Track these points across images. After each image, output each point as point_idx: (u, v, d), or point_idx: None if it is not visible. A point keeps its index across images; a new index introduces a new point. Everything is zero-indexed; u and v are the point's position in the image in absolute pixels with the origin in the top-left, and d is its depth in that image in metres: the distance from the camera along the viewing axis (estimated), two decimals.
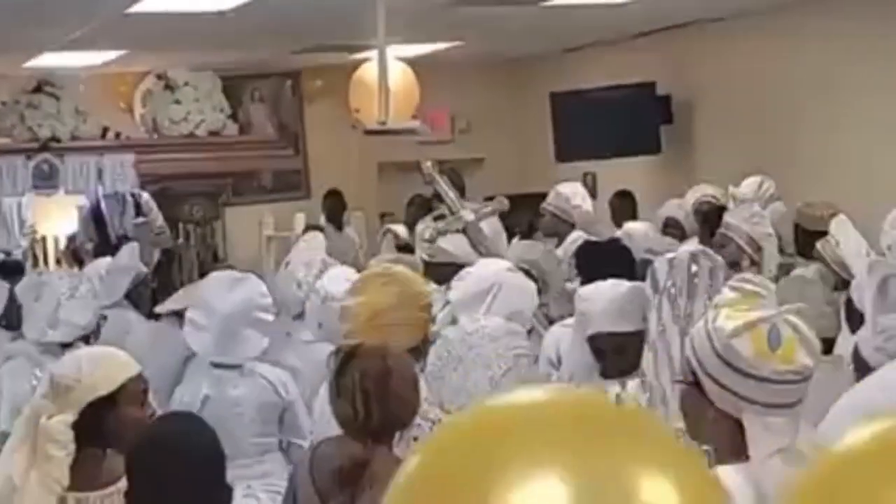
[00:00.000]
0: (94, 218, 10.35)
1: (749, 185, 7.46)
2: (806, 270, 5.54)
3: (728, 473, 2.27)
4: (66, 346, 4.90)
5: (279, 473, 4.69)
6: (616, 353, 3.80)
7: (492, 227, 6.94)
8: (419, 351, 3.91)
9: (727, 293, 2.37)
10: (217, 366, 4.79)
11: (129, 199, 10.35)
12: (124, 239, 9.25)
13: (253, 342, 4.80)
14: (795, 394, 2.31)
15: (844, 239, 5.39)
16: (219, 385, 4.72)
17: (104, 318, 5.89)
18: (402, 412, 3.19)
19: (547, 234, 7.14)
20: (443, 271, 5.74)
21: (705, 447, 2.43)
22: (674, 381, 2.52)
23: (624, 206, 8.96)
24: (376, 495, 3.05)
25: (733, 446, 2.31)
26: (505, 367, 3.53)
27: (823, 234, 5.61)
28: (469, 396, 3.43)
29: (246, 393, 4.72)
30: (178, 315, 5.93)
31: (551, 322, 5.39)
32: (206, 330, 4.80)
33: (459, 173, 8.23)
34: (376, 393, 3.12)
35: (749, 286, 2.35)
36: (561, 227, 7.16)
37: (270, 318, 4.90)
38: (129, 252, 6.41)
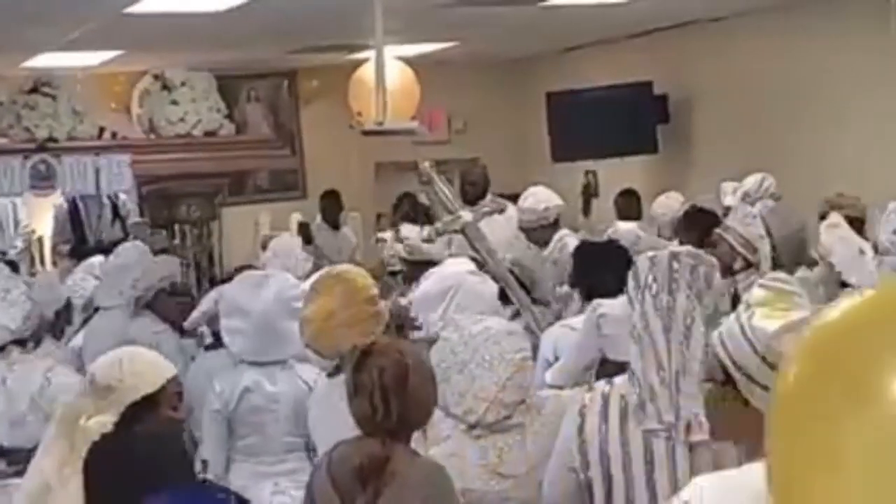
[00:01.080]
0: (71, 219, 10.36)
1: (750, 182, 7.47)
2: (810, 273, 5.54)
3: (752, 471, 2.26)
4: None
5: (305, 472, 4.67)
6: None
7: (508, 225, 6.97)
8: None
9: (758, 292, 2.34)
10: (254, 363, 4.77)
11: (107, 201, 10.36)
12: (100, 241, 9.28)
13: (294, 335, 4.75)
14: None
15: (831, 240, 5.38)
16: (258, 380, 4.70)
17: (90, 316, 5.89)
18: (420, 409, 3.20)
19: (535, 241, 7.16)
20: (420, 271, 5.81)
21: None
22: (701, 379, 2.50)
23: (629, 204, 8.96)
24: (398, 491, 3.06)
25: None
26: (512, 370, 3.52)
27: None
28: (475, 399, 3.44)
29: (284, 390, 4.69)
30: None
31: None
32: (244, 333, 4.78)
33: (476, 180, 8.19)
34: (395, 389, 3.13)
35: (784, 286, 2.31)
36: (544, 232, 7.16)
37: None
38: (135, 253, 6.34)
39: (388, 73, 6.98)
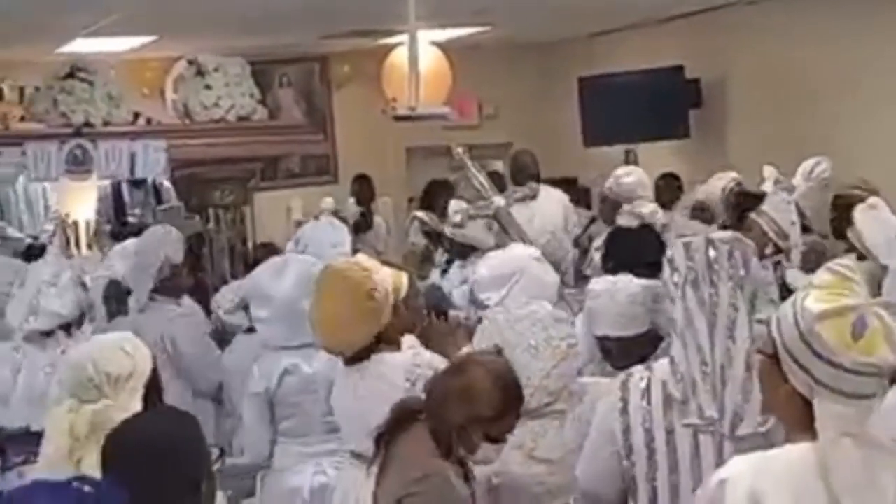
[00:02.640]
0: (115, 202, 10.44)
1: (804, 166, 7.39)
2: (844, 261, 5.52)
3: (802, 452, 2.28)
4: (46, 334, 4.93)
5: (343, 452, 4.73)
6: (622, 353, 3.86)
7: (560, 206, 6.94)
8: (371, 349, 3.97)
9: (823, 274, 2.36)
10: (286, 347, 4.82)
11: (150, 186, 10.43)
12: (141, 225, 9.34)
13: None
14: (871, 387, 2.29)
15: (868, 227, 5.38)
16: (296, 362, 4.76)
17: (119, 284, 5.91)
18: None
19: (605, 220, 7.13)
20: (465, 250, 5.83)
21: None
22: (755, 349, 2.52)
23: (669, 187, 8.93)
24: None
25: (803, 424, 2.31)
26: (558, 358, 3.53)
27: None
28: (494, 346, 3.45)
29: (321, 370, 4.72)
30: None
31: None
32: (270, 321, 4.85)
33: (502, 175, 8.21)
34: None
35: (847, 272, 2.33)
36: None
37: None
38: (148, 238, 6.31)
39: (422, 59, 7.00)
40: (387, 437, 3.19)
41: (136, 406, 3.37)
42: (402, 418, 3.20)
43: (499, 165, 10.04)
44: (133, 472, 2.47)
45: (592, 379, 3.97)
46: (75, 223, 10.81)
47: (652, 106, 10.09)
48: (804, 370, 2.30)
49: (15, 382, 4.85)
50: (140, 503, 2.14)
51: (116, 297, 6.12)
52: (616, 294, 3.92)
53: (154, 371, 3.57)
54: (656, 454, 3.18)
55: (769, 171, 7.36)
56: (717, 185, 7.66)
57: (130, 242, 7.01)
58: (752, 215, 5.87)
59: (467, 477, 3.17)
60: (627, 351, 3.70)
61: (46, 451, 3.48)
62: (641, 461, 3.20)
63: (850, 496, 2.22)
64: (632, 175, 7.30)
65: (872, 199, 5.71)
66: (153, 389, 3.54)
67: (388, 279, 4.08)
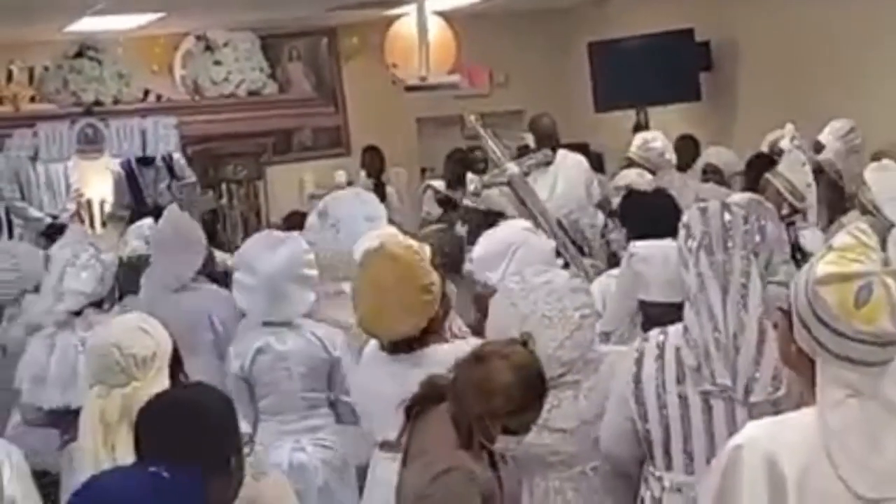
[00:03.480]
0: (130, 184, 10.44)
1: (834, 126, 7.33)
2: (848, 219, 5.53)
3: (815, 415, 2.28)
4: (76, 314, 4.94)
5: (328, 429, 4.78)
6: (668, 321, 3.83)
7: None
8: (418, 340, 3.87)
9: (842, 237, 2.33)
10: (267, 323, 4.86)
11: (162, 163, 10.44)
12: (157, 203, 9.35)
13: (300, 299, 4.87)
14: (877, 355, 2.25)
15: (877, 184, 5.37)
16: (268, 341, 4.79)
17: (139, 258, 5.91)
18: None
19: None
20: (488, 219, 5.81)
21: None
22: (777, 307, 2.52)
23: (687, 148, 8.91)
24: None
25: (813, 383, 2.31)
26: (571, 329, 3.52)
27: None
28: (520, 334, 3.44)
29: (294, 349, 4.78)
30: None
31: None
32: (252, 291, 4.89)
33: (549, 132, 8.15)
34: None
35: (864, 237, 2.30)
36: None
37: (315, 273, 4.95)
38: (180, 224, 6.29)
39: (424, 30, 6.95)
40: (417, 408, 3.18)
41: (165, 384, 3.38)
42: (430, 395, 3.19)
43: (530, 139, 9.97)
44: (166, 445, 2.48)
45: (610, 347, 3.96)
46: (89, 202, 10.84)
47: (662, 70, 10.05)
48: (809, 333, 2.30)
49: (48, 365, 4.88)
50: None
51: (126, 278, 6.10)
52: (669, 259, 3.86)
53: (175, 348, 3.58)
54: (669, 419, 3.19)
55: (789, 129, 7.33)
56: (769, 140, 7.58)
57: (147, 223, 7.02)
58: (767, 176, 5.85)
59: (493, 461, 3.14)
60: (673, 317, 3.67)
61: (83, 441, 3.50)
62: (655, 426, 3.21)
63: (847, 459, 2.22)
64: (658, 140, 7.29)
65: (885, 161, 5.70)
66: (177, 366, 3.55)
67: (433, 264, 4.03)
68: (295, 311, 4.86)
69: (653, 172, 7.12)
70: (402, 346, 3.93)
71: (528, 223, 5.24)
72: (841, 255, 2.30)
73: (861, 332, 2.25)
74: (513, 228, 5.09)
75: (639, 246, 4.36)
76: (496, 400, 3.05)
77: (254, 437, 4.39)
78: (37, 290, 5.57)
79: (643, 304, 4.01)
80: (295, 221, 6.71)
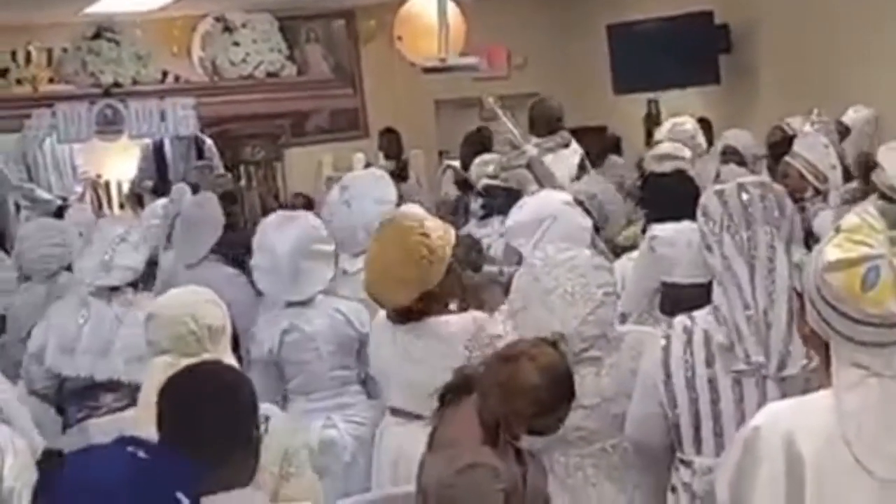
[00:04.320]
0: (157, 159, 10.48)
1: (860, 117, 7.28)
2: (865, 203, 5.50)
3: (823, 398, 2.28)
4: (114, 289, 4.95)
5: (359, 405, 4.77)
6: (689, 303, 3.81)
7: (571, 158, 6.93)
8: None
9: (851, 218, 2.32)
10: (291, 304, 4.85)
11: (192, 143, 10.46)
12: (184, 182, 9.37)
13: (318, 275, 4.85)
14: (885, 336, 2.24)
15: (890, 163, 5.33)
16: (295, 321, 4.78)
17: (155, 262, 5.95)
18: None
19: None
20: (509, 199, 5.80)
21: None
22: (793, 288, 2.50)
23: (702, 131, 8.86)
24: None
25: (828, 364, 2.31)
26: (593, 305, 3.51)
27: None
28: (551, 333, 3.42)
29: (321, 328, 4.77)
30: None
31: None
32: (271, 272, 4.88)
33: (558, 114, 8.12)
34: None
35: (871, 219, 2.29)
36: None
37: (331, 247, 4.94)
38: (206, 204, 6.34)
39: (436, 11, 6.93)
40: (450, 396, 3.18)
41: (229, 358, 3.41)
42: (462, 385, 3.18)
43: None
44: (194, 422, 2.48)
45: (632, 327, 3.95)
46: (107, 183, 10.87)
47: (681, 52, 10.01)
48: (820, 316, 2.29)
49: (80, 334, 4.88)
50: (193, 453, 2.15)
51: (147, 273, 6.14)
52: (693, 241, 3.85)
53: (233, 325, 3.60)
54: (699, 404, 3.18)
55: (815, 114, 7.29)
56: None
57: (160, 202, 7.05)
58: (787, 158, 5.82)
59: (521, 457, 3.13)
60: (698, 298, 3.65)
61: (139, 408, 3.50)
62: (685, 411, 3.20)
63: (863, 441, 2.22)
64: (688, 123, 7.27)
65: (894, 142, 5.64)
66: (237, 343, 3.58)
67: (446, 240, 4.06)
68: (314, 288, 4.83)
69: None
70: (405, 316, 4.07)
71: (568, 196, 5.20)
72: (848, 238, 2.29)
73: (870, 314, 2.23)
74: (552, 200, 5.04)
75: (660, 229, 4.35)
76: (521, 401, 3.05)
77: (269, 418, 4.43)
78: (69, 268, 5.60)
79: (667, 286, 4.00)
80: (298, 203, 6.71)
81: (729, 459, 2.36)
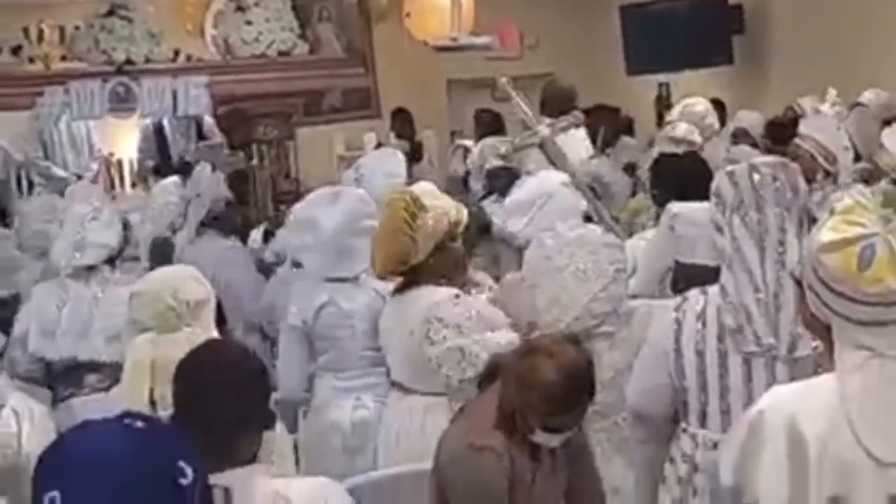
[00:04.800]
0: (157, 139, 10.49)
1: (879, 102, 7.23)
2: (874, 187, 5.48)
3: (827, 381, 2.29)
4: (90, 269, 4.94)
5: (384, 386, 4.73)
6: (701, 284, 3.82)
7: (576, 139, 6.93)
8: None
9: (847, 200, 2.33)
10: (331, 279, 4.79)
11: (192, 122, 10.48)
12: (185, 162, 9.39)
13: (364, 252, 4.72)
14: (886, 315, 2.24)
15: (893, 143, 5.31)
16: (333, 297, 4.73)
17: (166, 241, 5.98)
18: None
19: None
20: (504, 184, 5.83)
21: None
22: (791, 274, 2.51)
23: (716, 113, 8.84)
24: None
25: (831, 348, 2.32)
26: (605, 282, 3.53)
27: None
28: (563, 309, 3.43)
29: (359, 306, 4.72)
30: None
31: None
32: (316, 248, 4.80)
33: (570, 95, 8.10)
34: None
35: (863, 198, 2.30)
36: None
37: (375, 222, 4.92)
38: (206, 179, 6.39)
39: None
40: (484, 383, 3.21)
41: (214, 333, 3.43)
42: (492, 371, 3.20)
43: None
44: (202, 402, 2.49)
45: (643, 301, 3.96)
46: (119, 161, 10.89)
47: (694, 33, 9.99)
48: (819, 299, 2.30)
49: (59, 316, 4.88)
50: (206, 434, 2.15)
51: (161, 254, 6.15)
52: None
53: (218, 301, 3.62)
54: (707, 377, 3.18)
55: (832, 94, 7.25)
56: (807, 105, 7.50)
57: (171, 181, 7.06)
58: (797, 140, 5.80)
59: (536, 452, 3.14)
60: (711, 282, 3.66)
61: (125, 388, 3.52)
62: (693, 384, 3.20)
63: (866, 423, 2.22)
64: (700, 104, 7.25)
65: None
66: (220, 318, 3.60)
67: (438, 219, 4.07)
68: (360, 266, 4.74)
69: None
70: (399, 287, 4.24)
71: (565, 177, 5.21)
72: (842, 220, 2.29)
73: (869, 293, 2.24)
74: (548, 181, 5.07)
75: (681, 207, 4.33)
76: (535, 395, 3.05)
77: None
78: None
79: (684, 267, 4.00)
80: None
81: (733, 441, 2.37)
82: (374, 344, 4.74)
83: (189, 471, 1.88)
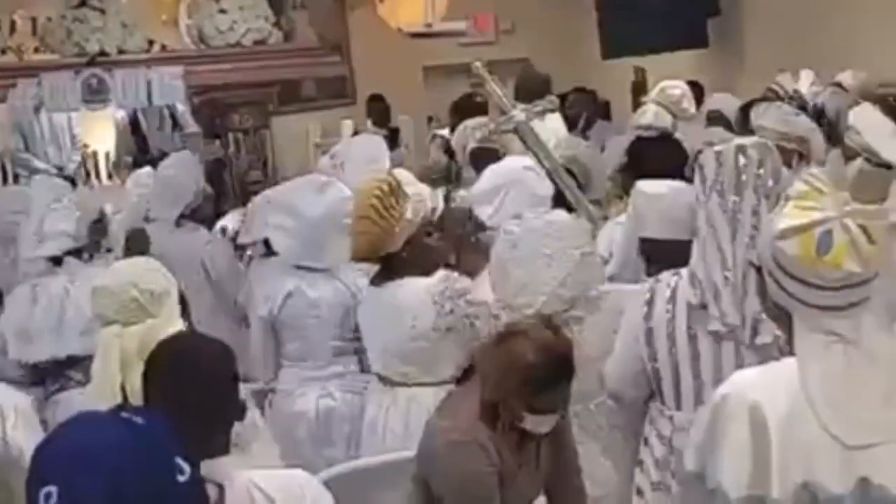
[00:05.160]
0: (133, 131, 10.45)
1: (857, 83, 7.23)
2: (850, 168, 5.49)
3: (789, 366, 2.29)
4: (56, 262, 4.84)
5: (352, 376, 4.74)
6: (665, 259, 3.82)
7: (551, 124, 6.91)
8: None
9: (798, 185, 2.33)
10: (300, 266, 4.79)
11: (166, 112, 10.43)
12: (163, 153, 9.35)
13: (339, 248, 4.70)
14: (846, 298, 2.25)
15: (864, 125, 5.30)
16: (299, 285, 4.73)
17: (142, 232, 5.94)
18: None
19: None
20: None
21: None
22: (749, 262, 2.52)
23: (693, 95, 8.83)
24: None
25: (792, 335, 2.32)
26: (572, 266, 3.53)
27: None
28: (533, 294, 3.43)
29: (325, 295, 4.72)
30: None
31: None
32: (292, 234, 4.80)
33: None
34: None
35: (818, 183, 2.30)
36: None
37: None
38: (184, 164, 6.34)
39: None
40: (463, 379, 3.19)
41: (178, 323, 3.41)
42: (471, 366, 3.18)
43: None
44: (172, 395, 2.47)
45: (612, 286, 3.96)
46: (94, 153, 10.83)
47: (669, 16, 9.97)
48: (779, 286, 2.29)
49: (32, 317, 4.80)
50: (178, 426, 2.14)
51: (137, 245, 6.10)
52: (665, 195, 3.86)
53: (181, 291, 3.60)
54: (679, 358, 3.19)
55: (810, 75, 7.25)
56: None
57: (146, 171, 7.02)
58: (758, 136, 5.80)
59: (521, 442, 3.13)
60: (670, 257, 3.67)
61: (97, 383, 3.50)
62: (665, 366, 3.21)
63: (829, 407, 2.22)
64: (677, 88, 7.25)
65: (865, 104, 5.61)
66: (185, 308, 3.58)
67: (421, 207, 4.06)
68: (333, 259, 4.75)
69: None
70: (379, 279, 4.18)
71: (530, 161, 5.21)
72: (796, 205, 2.29)
73: (829, 278, 2.24)
74: (511, 167, 5.07)
75: (640, 184, 4.34)
76: (516, 379, 3.04)
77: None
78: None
79: (642, 242, 4.00)
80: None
81: (697, 426, 2.36)
82: (342, 334, 4.75)
83: (186, 467, 1.86)
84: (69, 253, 4.86)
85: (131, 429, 1.87)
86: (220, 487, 2.19)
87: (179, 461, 1.86)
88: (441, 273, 4.08)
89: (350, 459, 4.27)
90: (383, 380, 4.25)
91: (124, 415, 1.91)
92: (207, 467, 2.18)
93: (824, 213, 2.26)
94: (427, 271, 4.10)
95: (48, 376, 4.80)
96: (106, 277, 3.71)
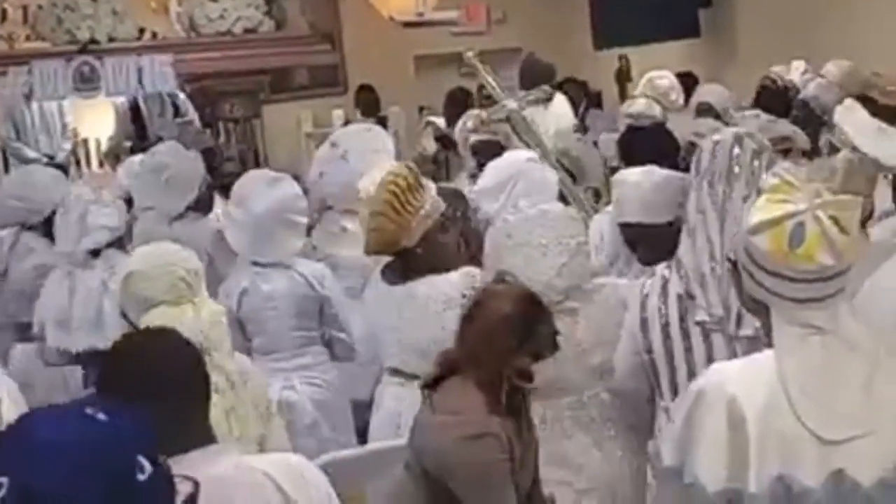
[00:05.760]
0: (133, 118, 10.41)
1: (840, 72, 7.24)
2: (835, 160, 5.49)
3: (768, 359, 2.29)
4: (96, 253, 4.89)
5: (320, 367, 4.77)
6: (646, 244, 3.82)
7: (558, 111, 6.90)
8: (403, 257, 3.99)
9: (770, 179, 2.32)
10: (255, 262, 4.82)
11: (167, 99, 10.40)
12: (160, 139, 9.32)
13: (286, 243, 4.80)
14: (822, 290, 2.24)
15: (849, 123, 5.30)
16: (254, 280, 4.77)
17: (135, 219, 5.92)
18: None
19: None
20: (493, 158, 5.80)
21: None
22: (726, 256, 2.51)
23: (685, 86, 8.85)
24: None
25: (768, 327, 2.32)
26: (567, 256, 3.53)
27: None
28: (528, 283, 3.42)
29: (279, 288, 4.75)
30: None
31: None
32: (242, 228, 4.84)
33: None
34: None
35: (789, 177, 2.29)
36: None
37: (304, 220, 4.92)
38: (188, 157, 6.30)
39: None
40: (432, 385, 3.16)
41: (211, 303, 3.46)
42: (444, 372, 3.15)
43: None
44: (147, 383, 2.43)
45: (609, 279, 3.96)
46: (85, 141, 10.81)
47: (661, 6, 9.98)
48: (753, 280, 2.30)
49: (71, 307, 4.84)
50: (156, 417, 2.11)
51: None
52: (639, 180, 3.87)
53: None
54: (674, 351, 3.19)
55: (801, 65, 7.26)
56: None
57: (137, 158, 6.99)
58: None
59: (521, 429, 3.11)
60: (650, 241, 3.66)
61: None
62: (660, 358, 3.21)
63: (807, 401, 2.22)
64: (665, 78, 7.24)
65: (848, 101, 5.61)
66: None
67: (439, 203, 4.03)
68: (280, 254, 4.79)
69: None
70: (394, 275, 4.07)
71: (532, 154, 5.20)
72: (768, 199, 2.29)
73: (802, 271, 2.23)
74: (514, 160, 5.06)
75: (620, 172, 4.34)
76: (508, 333, 3.02)
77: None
78: (31, 228, 5.53)
79: (622, 228, 4.01)
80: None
81: (675, 424, 2.35)
82: (305, 324, 4.78)
83: (147, 465, 1.84)
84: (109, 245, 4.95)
85: (92, 425, 1.82)
86: (196, 483, 2.17)
87: (141, 459, 1.82)
88: (463, 269, 4.03)
89: (312, 452, 4.28)
90: (398, 373, 4.21)
91: (88, 410, 1.86)
92: (182, 462, 2.15)
93: (796, 205, 2.26)
94: (443, 268, 4.04)
95: (87, 363, 4.82)
96: (137, 263, 3.69)
